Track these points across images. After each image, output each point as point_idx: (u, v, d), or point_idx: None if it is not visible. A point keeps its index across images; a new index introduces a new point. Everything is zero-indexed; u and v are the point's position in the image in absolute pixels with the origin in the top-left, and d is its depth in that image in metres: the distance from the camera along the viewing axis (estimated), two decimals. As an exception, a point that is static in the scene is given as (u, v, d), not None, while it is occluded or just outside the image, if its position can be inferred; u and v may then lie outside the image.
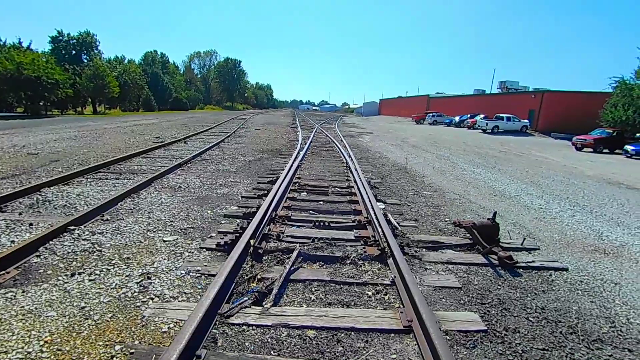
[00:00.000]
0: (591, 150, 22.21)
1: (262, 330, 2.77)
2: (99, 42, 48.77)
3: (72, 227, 4.41)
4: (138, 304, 2.99)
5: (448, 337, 2.77)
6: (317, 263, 3.97)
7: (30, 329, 2.59)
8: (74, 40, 45.77)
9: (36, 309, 2.84)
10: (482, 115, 35.63)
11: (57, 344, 2.47)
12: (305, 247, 4.20)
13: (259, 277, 3.52)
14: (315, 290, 3.43)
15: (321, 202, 6.30)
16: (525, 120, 34.03)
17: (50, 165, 8.53)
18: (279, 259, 3.96)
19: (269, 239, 4.45)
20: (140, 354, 2.41)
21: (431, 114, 45.73)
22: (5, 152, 9.94)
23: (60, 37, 44.95)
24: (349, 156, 11.64)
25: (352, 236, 4.67)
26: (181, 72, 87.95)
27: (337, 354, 2.56)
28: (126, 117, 33.85)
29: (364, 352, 2.60)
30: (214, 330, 2.73)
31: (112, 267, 3.60)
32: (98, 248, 3.99)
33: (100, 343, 2.50)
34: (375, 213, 5.18)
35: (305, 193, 6.85)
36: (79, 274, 3.41)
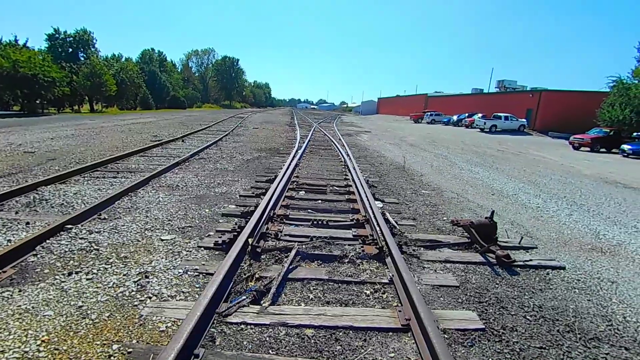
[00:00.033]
0: (588, 149, 22.32)
1: (260, 329, 2.77)
2: (96, 40, 48.50)
3: (69, 226, 4.39)
4: (136, 303, 2.98)
5: (446, 336, 2.78)
6: (316, 262, 3.97)
7: (27, 329, 2.58)
8: (71, 38, 45.47)
9: (33, 308, 2.82)
10: (480, 115, 35.70)
11: (55, 343, 2.46)
12: (304, 246, 4.20)
13: (257, 276, 3.52)
14: (314, 289, 3.43)
15: (319, 201, 6.30)
16: (523, 120, 34.15)
17: (47, 163, 8.48)
18: (277, 257, 3.96)
19: (267, 237, 4.44)
20: (138, 353, 2.40)
21: (429, 113, 45.79)
22: (2, 151, 9.88)
23: (57, 35, 44.64)
24: (347, 155, 11.64)
25: (351, 235, 4.67)
26: (179, 70, 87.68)
27: (335, 353, 2.56)
28: (123, 115, 33.73)
29: (362, 350, 2.60)
30: (212, 329, 2.72)
31: (110, 266, 3.59)
32: (95, 247, 3.98)
33: (98, 342, 2.49)
34: (373, 212, 5.18)
35: (304, 192, 6.85)
36: (76, 273, 3.40)
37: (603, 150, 22.38)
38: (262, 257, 3.98)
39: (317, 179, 8.07)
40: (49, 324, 2.64)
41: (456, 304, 3.28)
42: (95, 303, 2.94)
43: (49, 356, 2.34)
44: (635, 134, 22.97)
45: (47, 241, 3.99)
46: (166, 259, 3.80)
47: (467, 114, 39.21)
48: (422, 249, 4.47)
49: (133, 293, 3.13)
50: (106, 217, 4.98)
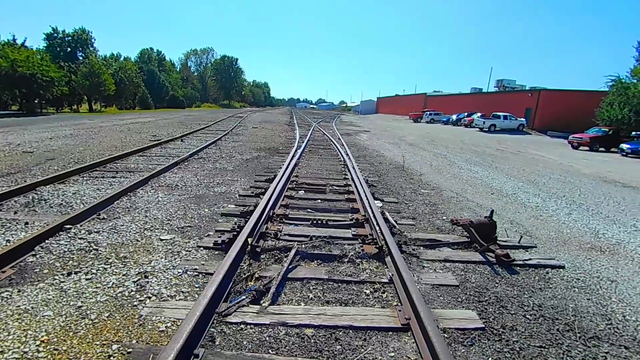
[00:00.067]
0: (587, 148, 22.34)
1: (260, 329, 2.77)
2: (94, 40, 48.50)
3: (69, 226, 4.38)
4: (135, 303, 2.98)
5: (446, 335, 2.78)
6: (315, 261, 3.97)
7: (26, 329, 2.57)
8: (69, 38, 45.40)
9: (32, 308, 2.82)
10: (479, 114, 35.69)
11: (54, 343, 2.45)
12: (303, 246, 4.20)
13: (256, 275, 3.51)
14: (313, 288, 3.42)
15: (319, 201, 6.29)
16: (522, 119, 34.18)
17: (46, 163, 8.46)
18: (276, 257, 3.96)
19: (266, 237, 4.44)
20: (137, 354, 2.39)
21: (428, 113, 45.82)
22: (0, 151, 9.86)
23: (55, 34, 44.56)
24: (347, 154, 11.64)
25: (350, 234, 4.67)
26: (178, 69, 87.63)
27: (335, 353, 2.56)
28: (122, 115, 33.67)
29: (362, 350, 2.60)
30: (212, 329, 2.72)
31: (109, 266, 3.58)
32: (94, 247, 3.97)
33: (98, 342, 2.49)
34: (372, 211, 5.18)
35: (303, 191, 6.85)
36: (76, 273, 3.39)
37: (602, 149, 22.41)
38: (262, 256, 3.98)
39: (317, 178, 8.07)
40: (49, 324, 2.64)
41: (456, 303, 3.28)
42: (95, 303, 2.94)
43: (49, 356, 2.33)
44: (634, 133, 23.01)
45: (46, 241, 3.98)
46: (165, 259, 3.80)
47: (466, 114, 39.21)
48: (421, 248, 4.48)
49: (132, 293, 3.12)
50: (105, 217, 4.97)
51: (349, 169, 8.88)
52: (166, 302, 3.03)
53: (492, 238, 4.49)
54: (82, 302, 2.94)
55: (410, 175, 9.47)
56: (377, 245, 4.19)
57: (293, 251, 3.97)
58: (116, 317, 2.78)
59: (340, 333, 2.76)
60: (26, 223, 4.55)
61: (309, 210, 5.74)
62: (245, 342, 2.61)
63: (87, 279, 3.29)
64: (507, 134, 29.91)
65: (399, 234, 4.80)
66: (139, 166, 8.69)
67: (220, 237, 4.24)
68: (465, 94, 54.32)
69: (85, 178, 7.17)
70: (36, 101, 33.54)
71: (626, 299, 3.57)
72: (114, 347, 2.45)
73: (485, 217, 4.71)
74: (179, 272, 3.52)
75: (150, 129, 18.06)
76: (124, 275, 3.41)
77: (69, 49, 45.17)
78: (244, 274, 3.51)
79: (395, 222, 5.25)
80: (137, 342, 2.52)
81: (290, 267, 3.71)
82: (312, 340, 2.67)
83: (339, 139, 17.89)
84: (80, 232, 4.32)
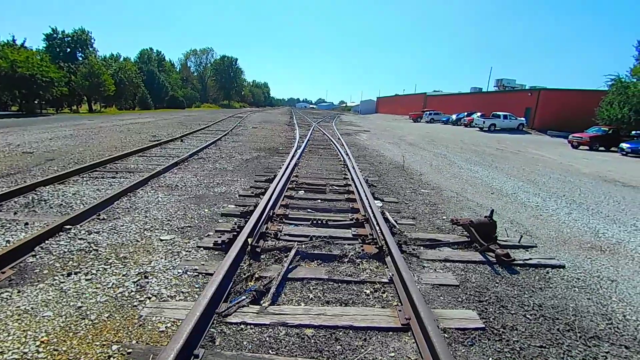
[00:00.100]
0: (587, 148, 22.33)
1: (260, 329, 2.76)
2: (94, 40, 48.52)
3: (68, 227, 4.37)
4: (135, 304, 2.97)
5: (446, 335, 2.77)
6: (315, 261, 3.97)
7: (26, 329, 2.57)
8: (69, 38, 45.41)
9: (32, 309, 2.82)
10: (479, 113, 35.70)
11: (54, 344, 2.45)
12: (303, 246, 4.20)
13: (256, 275, 3.51)
14: (314, 288, 3.42)
15: (319, 201, 6.29)
16: (522, 118, 34.18)
17: (46, 164, 8.46)
18: (276, 257, 3.95)
19: (266, 237, 4.44)
20: (137, 354, 2.39)
21: (428, 112, 45.82)
22: (0, 151, 9.85)
23: (55, 35, 44.56)
24: (346, 154, 11.64)
25: (350, 234, 4.67)
26: (177, 70, 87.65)
27: (335, 353, 2.56)
28: (122, 115, 33.66)
29: (362, 350, 2.59)
30: (212, 330, 2.71)
31: (109, 266, 3.58)
32: (94, 247, 3.96)
33: (97, 343, 2.49)
34: (372, 211, 5.17)
35: (303, 191, 6.84)
36: (76, 273, 3.39)
37: (602, 148, 22.40)
38: (262, 256, 3.97)
39: (317, 178, 8.07)
40: (48, 325, 2.63)
41: (456, 303, 3.28)
42: (95, 304, 2.93)
43: (48, 357, 2.33)
44: (633, 132, 23.00)
45: (46, 242, 3.98)
46: (165, 259, 3.80)
47: (466, 113, 39.21)
48: (421, 248, 4.47)
49: (132, 293, 3.12)
50: (105, 217, 4.97)
51: (348, 169, 8.88)
52: (166, 302, 3.03)
53: (492, 238, 4.48)
54: (82, 302, 2.93)
55: (410, 175, 9.47)
56: (377, 245, 4.19)
57: (293, 251, 3.97)
58: (116, 317, 2.78)
59: (341, 333, 2.76)
60: (26, 223, 4.55)
61: (309, 210, 5.74)
62: (245, 343, 2.61)
63: (87, 280, 3.29)
64: (507, 134, 29.91)
65: (399, 233, 4.80)
66: (138, 166, 8.69)
67: (220, 237, 4.24)
68: (465, 93, 54.31)
69: (85, 178, 7.16)
70: (36, 102, 33.55)
71: (626, 299, 3.57)
72: (114, 347, 2.44)
73: (486, 216, 4.71)
74: (179, 273, 3.52)
75: (150, 129, 18.05)
76: (123, 275, 3.41)
77: (68, 50, 45.17)
78: (244, 274, 3.51)
79: (396, 222, 5.25)
80: (137, 342, 2.52)
81: (290, 267, 3.71)
82: (312, 341, 2.67)
83: (338, 138, 17.89)
84: (80, 232, 4.32)
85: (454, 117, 40.96)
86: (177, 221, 4.98)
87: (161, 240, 4.30)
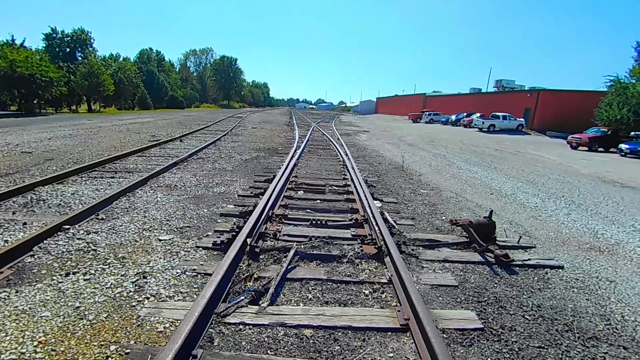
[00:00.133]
0: (586, 148, 22.37)
1: (258, 330, 2.76)
2: (94, 40, 48.51)
3: (67, 226, 4.37)
4: (133, 304, 2.97)
5: (445, 336, 2.77)
6: (314, 262, 3.96)
7: (24, 329, 2.56)
8: (68, 38, 45.39)
9: (30, 309, 2.81)
10: (478, 114, 35.73)
11: (52, 344, 2.44)
12: (302, 246, 4.19)
13: (255, 276, 3.51)
14: (312, 289, 3.42)
15: (318, 201, 6.29)
16: (521, 119, 34.21)
17: (45, 164, 8.44)
18: (275, 257, 3.95)
19: (265, 237, 4.43)
20: (135, 354, 2.39)
21: (428, 113, 45.83)
22: (-1, 151, 9.83)
23: (54, 35, 44.54)
24: (346, 154, 11.64)
25: (349, 235, 4.66)
26: (177, 70, 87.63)
27: (334, 353, 2.55)
28: (121, 115, 33.63)
29: (361, 350, 2.59)
30: (211, 330, 2.71)
31: (107, 266, 3.57)
32: (93, 247, 3.96)
33: (95, 343, 2.48)
34: (372, 211, 5.17)
35: (302, 191, 6.84)
36: (74, 273, 3.38)
37: (601, 149, 22.43)
38: (261, 257, 3.97)
39: (316, 178, 8.07)
40: (46, 325, 2.63)
41: (455, 304, 3.28)
42: (93, 304, 2.93)
43: (46, 357, 2.32)
44: (632, 133, 23.06)
45: (45, 242, 3.97)
46: (164, 259, 3.79)
47: (465, 114, 39.24)
48: (420, 248, 4.47)
49: (131, 294, 3.11)
50: (104, 217, 4.96)
51: (348, 169, 8.88)
52: (165, 302, 3.02)
53: (491, 238, 4.48)
54: (80, 302, 2.93)
55: (409, 176, 9.47)
56: (377, 246, 4.19)
57: (292, 251, 3.96)
58: (114, 317, 2.78)
59: (339, 333, 2.76)
60: (24, 223, 4.54)
61: (308, 210, 5.74)
62: (243, 343, 2.61)
63: (85, 280, 3.28)
64: (506, 134, 29.93)
65: (398, 234, 4.80)
66: (137, 166, 8.68)
67: (219, 237, 4.23)
68: (465, 94, 54.36)
69: (84, 178, 7.15)
70: (35, 101, 33.51)
71: (625, 299, 3.57)
72: (112, 347, 2.44)
73: (485, 217, 4.71)
74: (177, 273, 3.52)
75: (149, 129, 18.04)
76: (122, 275, 3.40)
77: (68, 49, 45.15)
78: (243, 275, 3.50)
79: (395, 222, 5.25)
80: (135, 342, 2.52)
81: (289, 267, 3.70)
82: (311, 341, 2.67)
83: (338, 139, 17.89)
84: (78, 232, 4.31)
85: (453, 117, 41.00)
86: (176, 221, 4.98)
87: (160, 240, 4.30)
